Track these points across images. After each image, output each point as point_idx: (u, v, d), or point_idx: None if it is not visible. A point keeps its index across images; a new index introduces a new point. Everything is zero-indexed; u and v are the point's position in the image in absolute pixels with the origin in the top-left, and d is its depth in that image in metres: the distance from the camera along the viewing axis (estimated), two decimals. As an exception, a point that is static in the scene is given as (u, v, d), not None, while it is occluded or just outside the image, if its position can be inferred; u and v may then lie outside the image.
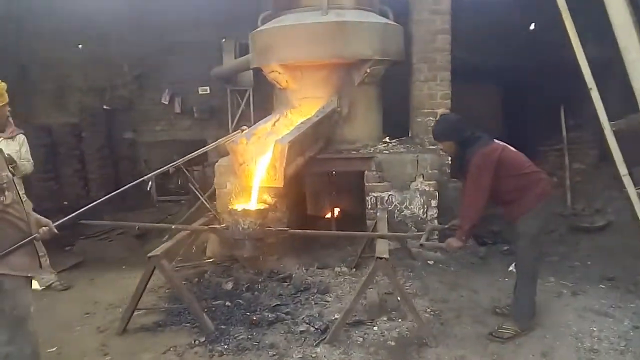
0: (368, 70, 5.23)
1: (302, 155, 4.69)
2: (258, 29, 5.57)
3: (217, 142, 5.25)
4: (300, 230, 4.36)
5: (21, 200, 2.71)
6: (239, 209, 4.14)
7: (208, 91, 9.61)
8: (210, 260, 5.21)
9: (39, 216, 2.82)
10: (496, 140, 3.68)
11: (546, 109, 8.57)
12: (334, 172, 5.54)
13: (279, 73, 5.33)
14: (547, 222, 3.87)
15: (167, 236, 5.83)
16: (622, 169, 3.13)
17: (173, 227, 4.58)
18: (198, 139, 9.51)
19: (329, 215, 6.39)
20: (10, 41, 9.30)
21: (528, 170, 3.66)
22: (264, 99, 9.12)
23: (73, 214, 3.29)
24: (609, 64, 8.50)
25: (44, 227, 2.75)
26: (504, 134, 8.86)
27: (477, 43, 8.80)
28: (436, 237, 4.81)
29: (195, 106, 9.59)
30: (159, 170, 5.02)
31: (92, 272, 5.45)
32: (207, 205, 5.58)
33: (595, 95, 3.13)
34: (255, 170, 4.39)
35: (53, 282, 4.89)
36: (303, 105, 5.40)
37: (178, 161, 5.18)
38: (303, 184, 6.48)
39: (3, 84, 2.76)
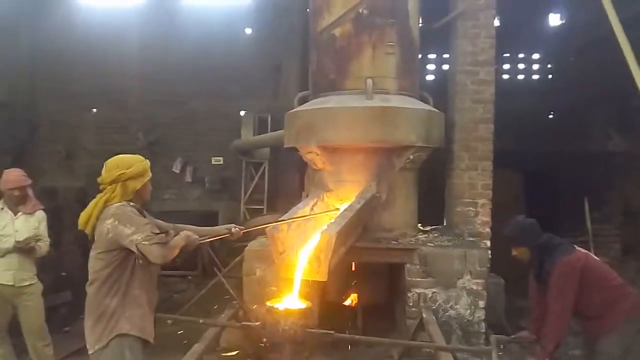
0: (411, 157, 5.01)
1: (344, 245, 4.35)
2: (296, 108, 5.38)
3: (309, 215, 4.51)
4: (348, 335, 3.92)
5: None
6: (280, 308, 3.71)
7: (221, 162, 9.43)
8: (232, 354, 4.69)
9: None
10: (577, 248, 3.37)
11: (569, 198, 8.44)
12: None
13: (317, 154, 5.09)
14: (636, 343, 3.35)
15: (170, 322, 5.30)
16: None
17: (201, 321, 4.12)
18: (207, 210, 9.20)
19: (348, 302, 5.97)
20: (22, 100, 9.14)
21: (615, 283, 3.34)
22: (279, 173, 8.93)
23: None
24: (635, 157, 8.53)
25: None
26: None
27: (498, 128, 8.83)
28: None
29: (207, 176, 9.35)
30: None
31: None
32: (232, 293, 5.15)
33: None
34: (296, 262, 4.01)
35: (57, 375, 4.35)
36: (340, 189, 5.12)
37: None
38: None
39: (147, 161, 2.97)
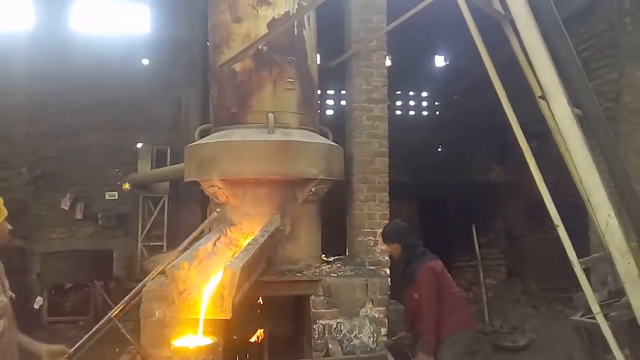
0: (313, 189, 5.12)
1: (248, 280, 4.29)
2: (197, 142, 5.31)
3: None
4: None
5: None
6: (190, 346, 3.57)
7: (116, 197, 8.95)
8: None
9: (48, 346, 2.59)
10: (439, 259, 4.19)
11: (459, 225, 9.05)
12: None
13: (219, 188, 5.03)
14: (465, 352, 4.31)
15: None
16: (595, 307, 3.18)
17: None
18: (101, 249, 8.64)
19: (254, 339, 5.86)
20: None
21: (457, 293, 4.12)
22: (179, 208, 8.65)
23: None
24: (514, 187, 9.39)
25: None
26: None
27: (394, 161, 9.34)
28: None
29: (100, 212, 8.81)
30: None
31: None
32: (128, 337, 4.83)
33: (562, 232, 3.20)
34: (199, 300, 3.88)
35: None
36: (243, 222, 5.07)
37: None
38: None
39: None
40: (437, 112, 10.87)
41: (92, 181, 8.89)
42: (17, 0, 8.95)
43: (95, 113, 8.77)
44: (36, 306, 7.91)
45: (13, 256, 8.31)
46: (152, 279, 4.43)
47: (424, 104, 10.82)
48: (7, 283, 2.62)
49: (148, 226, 8.70)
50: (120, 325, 5.23)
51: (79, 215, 8.83)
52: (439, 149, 10.52)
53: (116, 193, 8.92)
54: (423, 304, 3.96)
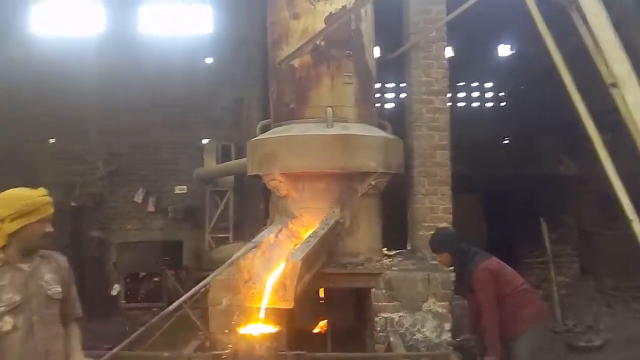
0: (372, 183, 5.13)
1: (309, 272, 4.38)
2: (258, 137, 5.46)
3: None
4: (322, 354, 3.95)
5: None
6: (256, 334, 3.71)
7: (185, 190, 9.35)
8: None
9: None
10: (493, 256, 4.02)
11: (527, 219, 8.72)
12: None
13: (280, 182, 5.15)
14: (542, 347, 4.11)
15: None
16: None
17: (166, 354, 4.06)
18: (172, 240, 9.07)
19: (317, 330, 5.96)
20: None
21: (522, 288, 3.94)
22: (244, 201, 8.92)
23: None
24: (585, 181, 8.94)
25: None
26: (487, 245, 8.98)
27: (457, 154, 9.14)
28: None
29: (171, 205, 9.25)
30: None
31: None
32: (197, 323, 5.07)
33: (637, 227, 3.03)
34: (263, 289, 4.02)
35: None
36: (304, 215, 5.16)
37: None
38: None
39: (41, 198, 2.37)
40: (503, 103, 10.52)
41: (162, 176, 9.33)
42: (89, 6, 9.50)
43: (162, 111, 9.20)
44: (114, 293, 8.45)
45: (92, 246, 8.97)
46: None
47: (488, 94, 10.53)
48: (50, 277, 2.37)
49: (215, 218, 9.01)
50: (190, 313, 5.52)
51: (151, 208, 9.31)
52: (505, 141, 10.19)
53: (185, 187, 9.32)
54: (482, 306, 3.88)
